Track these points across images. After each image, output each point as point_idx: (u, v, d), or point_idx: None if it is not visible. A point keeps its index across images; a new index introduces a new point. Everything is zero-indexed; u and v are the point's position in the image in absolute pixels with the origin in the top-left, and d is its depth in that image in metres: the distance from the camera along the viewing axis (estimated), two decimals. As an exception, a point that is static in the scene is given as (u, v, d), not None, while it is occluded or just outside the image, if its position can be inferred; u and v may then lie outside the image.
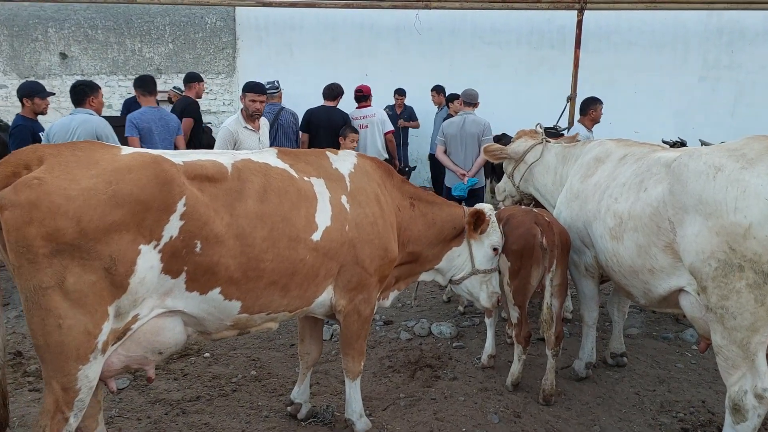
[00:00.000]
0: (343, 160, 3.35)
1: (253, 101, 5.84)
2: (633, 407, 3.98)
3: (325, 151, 3.40)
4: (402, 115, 10.23)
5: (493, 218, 3.84)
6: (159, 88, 6.50)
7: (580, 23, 9.49)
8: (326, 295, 3.18)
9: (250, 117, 5.89)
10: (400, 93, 10.29)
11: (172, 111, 6.69)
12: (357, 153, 3.58)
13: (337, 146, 6.17)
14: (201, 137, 7.46)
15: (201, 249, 2.55)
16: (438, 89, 9.93)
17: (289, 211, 2.85)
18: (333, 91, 7.40)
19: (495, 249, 3.84)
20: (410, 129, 10.40)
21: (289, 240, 2.83)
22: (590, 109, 6.84)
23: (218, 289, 2.67)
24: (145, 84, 6.07)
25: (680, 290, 3.23)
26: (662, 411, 3.93)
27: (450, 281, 3.96)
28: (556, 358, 3.99)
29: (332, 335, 5.08)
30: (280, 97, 7.59)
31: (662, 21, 10.41)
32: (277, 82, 7.58)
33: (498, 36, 11.38)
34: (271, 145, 6.48)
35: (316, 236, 2.95)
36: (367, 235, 3.19)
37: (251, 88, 5.91)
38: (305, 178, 3.06)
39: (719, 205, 2.83)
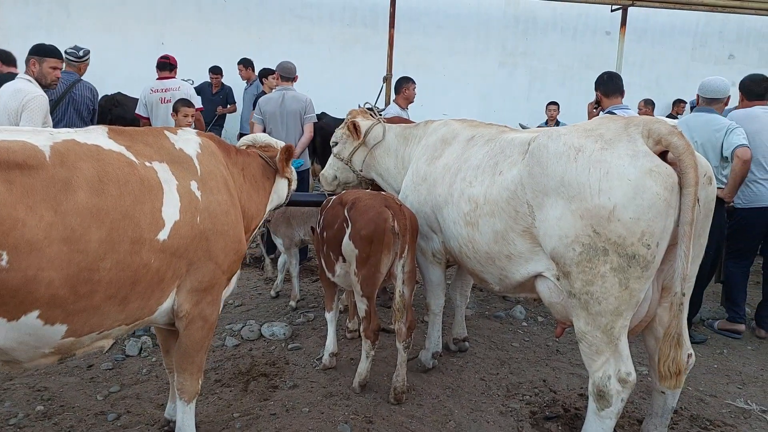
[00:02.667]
0: (186, 140, 2.84)
1: (55, 68, 4.82)
2: (482, 395, 3.87)
3: (163, 130, 2.85)
4: (217, 96, 9.31)
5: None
6: None
7: (393, 2, 9.39)
8: (171, 301, 2.69)
9: (44, 88, 4.74)
10: (215, 71, 9.37)
11: None
12: (196, 131, 3.00)
13: None
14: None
15: (8, 262, 1.99)
16: (245, 63, 9.23)
17: (132, 207, 2.36)
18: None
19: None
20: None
21: (131, 242, 2.34)
22: (403, 88, 6.95)
23: (35, 313, 2.12)
24: None
25: (537, 275, 3.11)
26: (509, 395, 3.88)
27: None
28: (408, 350, 3.71)
29: (141, 349, 4.23)
30: (81, 69, 6.04)
31: (467, 6, 10.82)
32: (84, 51, 5.91)
33: (309, 10, 10.92)
34: (57, 124, 5.27)
35: (162, 235, 2.47)
36: (222, 226, 2.76)
37: (50, 51, 4.81)
38: (147, 164, 2.54)
39: (582, 187, 2.71)
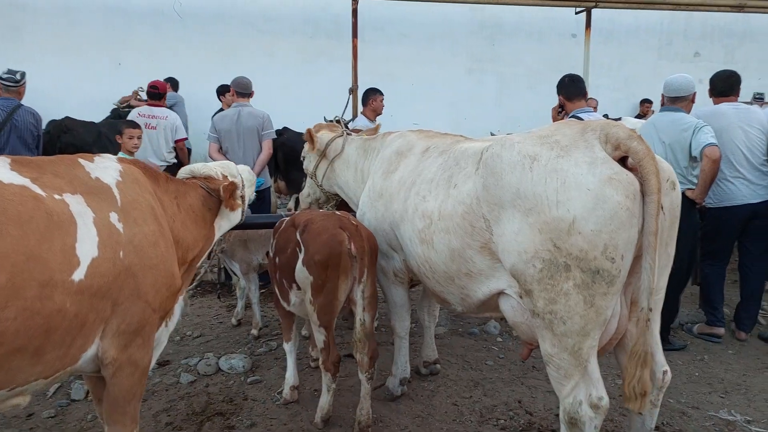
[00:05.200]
0: (104, 167, 2.58)
1: None
2: (454, 422, 3.64)
3: (77, 158, 2.58)
4: None
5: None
6: None
7: (355, 12, 9.20)
8: (95, 347, 2.40)
9: None
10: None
11: None
12: (117, 157, 2.76)
13: None
14: None
15: None
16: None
17: (37, 246, 2.09)
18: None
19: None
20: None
21: (40, 286, 2.08)
22: (370, 100, 6.85)
23: None
24: None
25: (500, 293, 2.89)
26: (483, 420, 3.65)
27: None
28: (371, 381, 3.47)
29: (88, 392, 3.93)
30: (20, 93, 5.85)
31: (431, 13, 10.68)
32: (21, 74, 5.75)
33: (271, 24, 10.70)
34: (2, 152, 4.97)
35: (78, 274, 2.20)
36: (149, 260, 2.50)
37: None
38: (56, 196, 2.27)
39: (539, 198, 2.51)
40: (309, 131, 4.48)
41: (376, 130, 4.81)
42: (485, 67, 11.16)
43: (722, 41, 11.55)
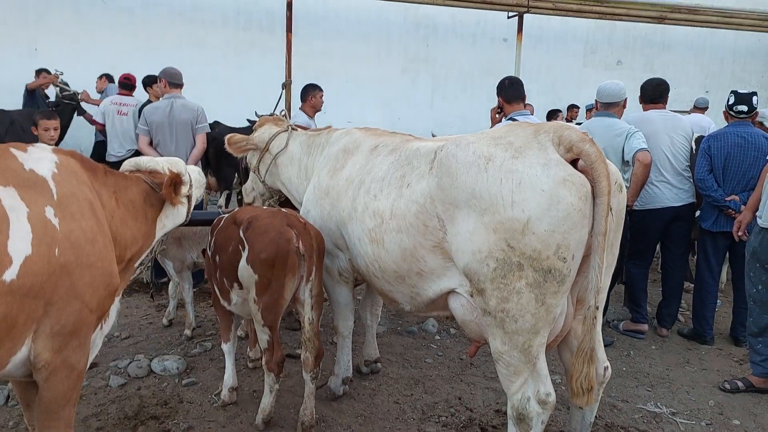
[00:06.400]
0: (39, 158, 2.40)
1: None
2: (397, 420, 3.64)
3: (9, 147, 2.39)
4: None
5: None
6: None
7: (290, 5, 9.03)
8: (26, 350, 2.26)
9: None
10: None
11: None
12: (53, 147, 2.57)
13: None
14: None
15: None
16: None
17: None
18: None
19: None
20: None
21: None
22: (309, 96, 6.70)
23: None
24: None
25: (450, 292, 2.91)
26: (425, 418, 3.66)
27: None
28: (315, 381, 3.40)
29: (8, 398, 3.64)
30: None
31: (366, 11, 10.64)
32: None
33: (201, 14, 10.33)
34: None
35: (9, 274, 2.07)
36: (87, 258, 2.35)
37: None
38: None
39: (494, 199, 2.53)
40: (246, 139, 4.37)
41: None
42: (419, 68, 11.26)
43: (643, 51, 12.23)
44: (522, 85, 4.85)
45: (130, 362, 4.14)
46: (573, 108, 10.94)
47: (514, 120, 4.42)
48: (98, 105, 8.45)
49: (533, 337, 2.59)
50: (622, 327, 5.26)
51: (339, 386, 3.84)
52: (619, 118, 4.77)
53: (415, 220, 2.88)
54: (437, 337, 4.98)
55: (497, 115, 5.01)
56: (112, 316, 2.71)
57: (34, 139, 4.97)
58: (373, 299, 4.15)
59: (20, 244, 2.10)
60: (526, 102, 5.15)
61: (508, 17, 10.04)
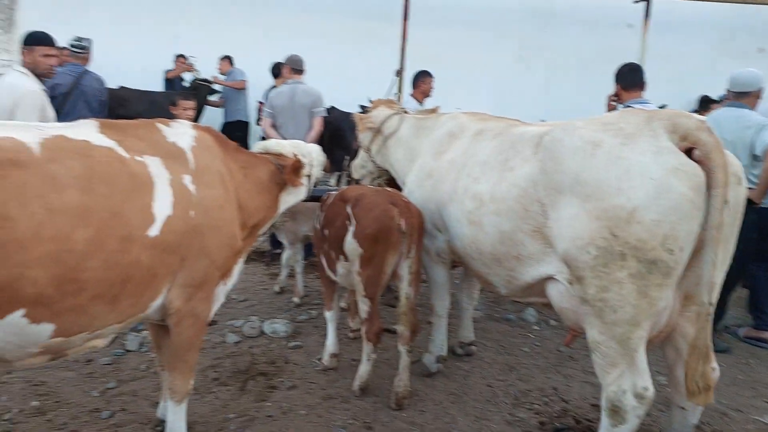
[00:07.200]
0: (181, 133, 2.78)
1: (47, 56, 4.46)
2: (488, 402, 3.68)
3: (155, 122, 2.79)
4: None
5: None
6: None
7: (407, -6, 9.15)
8: (162, 298, 2.63)
9: (40, 78, 4.50)
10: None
11: None
12: (191, 123, 2.96)
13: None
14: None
15: None
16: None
17: (121, 204, 2.32)
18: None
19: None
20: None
21: (120, 240, 2.30)
22: (420, 82, 6.83)
23: (21, 312, 2.08)
24: None
25: (548, 278, 2.89)
26: (517, 404, 3.67)
27: None
28: (411, 354, 3.53)
29: (141, 344, 4.11)
30: (86, 60, 5.97)
31: (480, -1, 10.58)
32: (88, 41, 5.93)
33: (320, 4, 10.72)
34: (67, 117, 5.13)
35: (153, 231, 2.41)
36: (216, 221, 2.70)
37: (41, 39, 4.49)
38: (137, 158, 2.48)
39: (600, 185, 2.50)
40: (365, 118, 4.60)
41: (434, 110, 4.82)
42: (535, 55, 10.96)
43: (789, 37, 11.04)
44: (642, 72, 4.64)
45: (245, 323, 4.50)
46: (711, 104, 10.10)
47: (630, 108, 4.25)
48: (228, 87, 9.17)
49: (633, 329, 2.53)
50: (743, 334, 4.91)
51: (433, 363, 3.95)
52: (753, 109, 4.42)
53: (515, 204, 2.90)
54: (536, 327, 4.93)
55: (613, 102, 4.83)
56: (234, 274, 3.02)
57: (172, 118, 5.50)
58: (471, 282, 4.21)
59: (163, 206, 2.45)
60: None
61: (635, 1, 9.49)
